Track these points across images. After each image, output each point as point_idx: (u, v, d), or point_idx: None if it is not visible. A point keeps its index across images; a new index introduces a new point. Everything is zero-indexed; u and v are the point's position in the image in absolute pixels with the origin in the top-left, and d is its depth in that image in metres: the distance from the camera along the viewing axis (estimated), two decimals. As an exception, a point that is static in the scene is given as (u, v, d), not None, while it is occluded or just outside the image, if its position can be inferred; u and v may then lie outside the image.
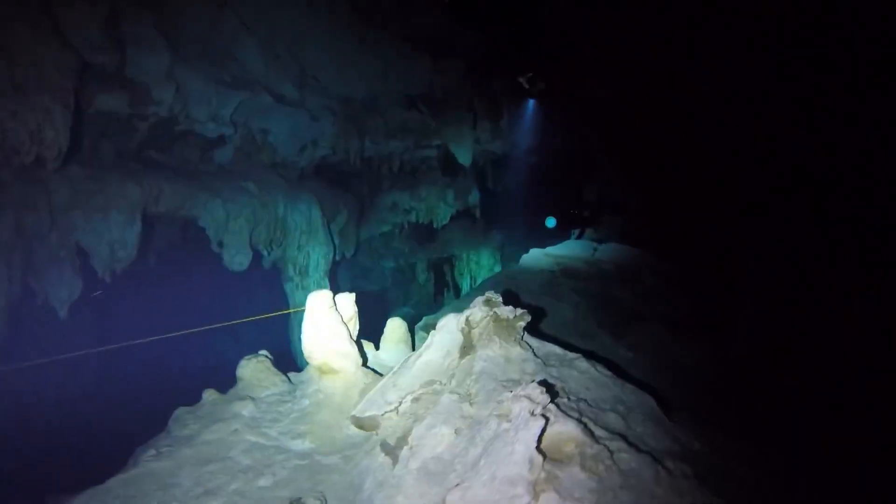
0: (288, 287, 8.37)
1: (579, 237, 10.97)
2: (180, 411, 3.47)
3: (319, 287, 8.52)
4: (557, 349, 3.12)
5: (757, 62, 7.39)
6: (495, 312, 2.97)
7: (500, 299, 3.10)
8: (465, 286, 14.02)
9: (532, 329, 5.24)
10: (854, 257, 6.51)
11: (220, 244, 6.98)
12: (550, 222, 11.31)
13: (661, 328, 5.86)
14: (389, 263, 14.70)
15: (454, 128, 10.56)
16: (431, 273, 14.51)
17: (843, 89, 6.60)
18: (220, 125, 6.68)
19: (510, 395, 2.27)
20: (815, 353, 5.24)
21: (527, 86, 9.03)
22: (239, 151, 7.48)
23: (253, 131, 7.42)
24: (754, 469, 2.74)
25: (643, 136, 10.63)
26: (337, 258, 9.35)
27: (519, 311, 3.00)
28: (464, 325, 3.07)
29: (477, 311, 3.05)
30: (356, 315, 3.72)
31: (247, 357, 3.77)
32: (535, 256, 7.78)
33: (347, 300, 3.65)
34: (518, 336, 2.99)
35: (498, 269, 14.21)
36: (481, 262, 13.82)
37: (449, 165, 11.45)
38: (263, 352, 3.97)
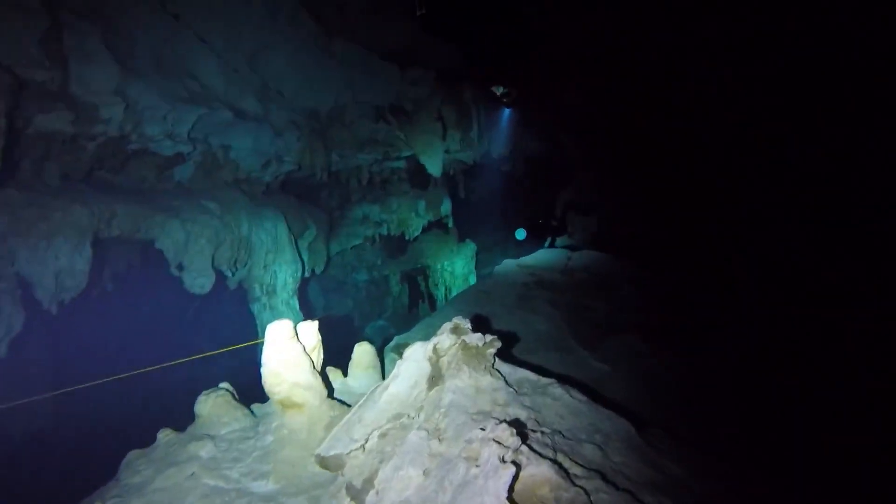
0: (255, 307, 8.09)
1: (551, 245, 10.93)
2: (132, 455, 3.22)
3: (288, 306, 8.30)
4: (531, 375, 2.99)
5: (735, 61, 7.45)
6: (464, 340, 2.82)
7: (469, 325, 2.96)
8: (440, 296, 13.87)
9: (507, 345, 5.10)
10: (846, 256, 6.57)
11: (180, 267, 6.66)
12: (521, 234, 11.27)
13: (636, 339, 5.78)
14: (362, 276, 14.47)
15: (423, 138, 10.43)
16: (405, 285, 14.33)
17: (815, 83, 6.69)
18: (177, 143, 6.40)
19: (480, 434, 2.13)
20: (802, 360, 5.22)
21: (501, 96, 8.92)
22: (199, 168, 7.20)
23: (213, 147, 7.15)
24: (737, 494, 2.65)
25: (617, 140, 10.68)
26: (306, 275, 9.10)
27: (489, 337, 2.86)
28: (431, 354, 2.91)
29: (444, 338, 2.90)
30: (320, 344, 3.53)
31: (205, 392, 3.55)
32: (509, 267, 7.68)
33: (310, 329, 3.46)
34: (488, 364, 2.85)
35: (473, 278, 14.12)
36: (455, 272, 13.69)
37: (419, 176, 11.31)
38: (224, 385, 3.76)
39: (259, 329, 7.97)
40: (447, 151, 10.94)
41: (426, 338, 6.10)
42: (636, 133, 10.19)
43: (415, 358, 2.98)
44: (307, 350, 3.40)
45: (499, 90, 8.02)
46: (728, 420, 4.13)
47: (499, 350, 2.94)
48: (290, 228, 8.28)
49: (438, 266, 13.46)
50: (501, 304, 6.47)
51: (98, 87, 4.96)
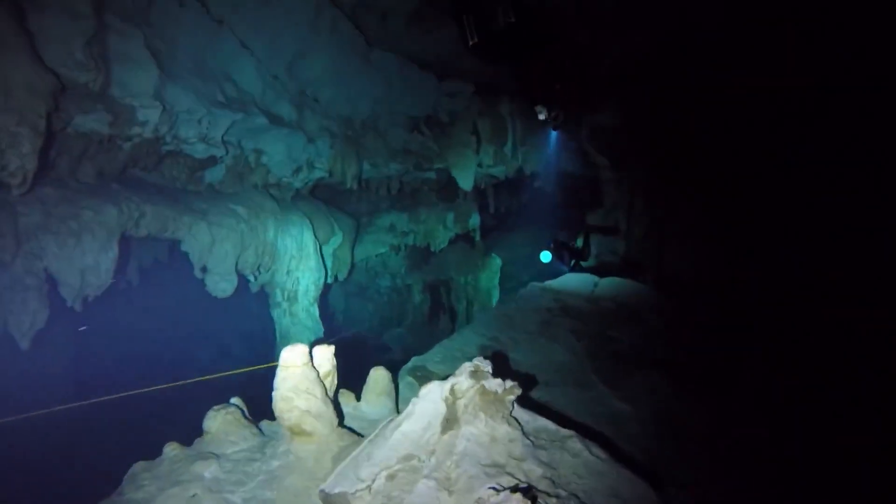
0: (275, 313, 8.10)
1: (574, 268, 10.72)
2: (137, 467, 3.18)
3: (308, 314, 8.29)
4: (550, 425, 2.85)
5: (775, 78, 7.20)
6: (483, 385, 2.70)
7: (489, 368, 2.84)
8: (461, 310, 13.77)
9: (527, 376, 4.94)
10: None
11: (204, 269, 6.71)
12: (545, 257, 11.06)
13: (660, 378, 5.56)
14: (385, 282, 14.46)
15: (457, 151, 10.37)
16: (427, 295, 14.25)
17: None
18: (210, 146, 6.44)
19: (492, 498, 2.01)
20: (841, 413, 4.94)
21: (543, 117, 8.67)
22: (230, 172, 7.24)
23: (246, 151, 7.18)
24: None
25: (655, 164, 10.42)
26: (328, 281, 9.09)
27: (509, 383, 2.74)
28: (448, 395, 2.79)
29: (463, 380, 2.78)
30: (334, 370, 3.45)
31: (215, 408, 3.49)
32: (533, 290, 7.51)
33: (325, 354, 3.38)
34: (506, 411, 2.72)
35: (496, 293, 13.97)
36: (479, 286, 13.57)
37: (450, 188, 11.24)
38: (235, 400, 3.70)
39: (277, 335, 7.98)
40: (479, 165, 10.85)
41: (444, 360, 5.98)
42: (677, 157, 9.92)
43: (431, 398, 2.87)
44: (321, 376, 3.33)
45: (542, 112, 7.76)
46: (754, 478, 3.91)
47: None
48: (316, 234, 8.28)
49: (462, 279, 13.36)
50: (523, 330, 6.31)
51: (137, 90, 5.01)
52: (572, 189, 13.18)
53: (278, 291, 7.91)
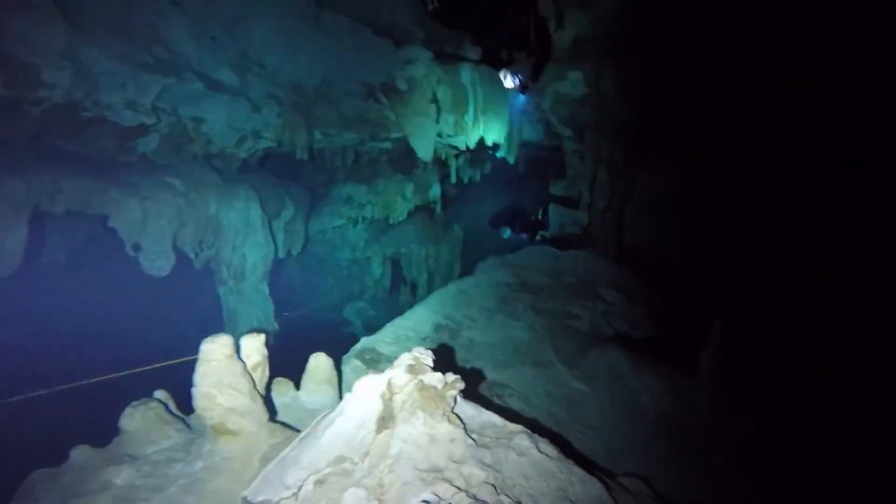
0: (222, 291, 7.67)
1: (532, 240, 10.63)
2: (36, 476, 2.82)
3: (257, 291, 7.89)
4: (496, 419, 2.62)
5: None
6: (421, 380, 2.45)
7: (430, 360, 2.57)
8: (422, 282, 13.53)
9: (483, 355, 4.71)
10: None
11: (137, 247, 6.21)
12: (506, 233, 10.89)
13: (619, 355, 5.45)
14: (345, 255, 14.07)
15: (415, 120, 9.93)
16: (388, 267, 13.95)
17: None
18: (138, 113, 5.86)
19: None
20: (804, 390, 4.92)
21: (509, 83, 8.30)
22: (166, 141, 6.66)
23: (183, 119, 6.61)
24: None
25: (618, 135, 10.26)
26: (280, 255, 8.67)
27: (450, 377, 2.48)
28: (384, 391, 2.52)
29: (400, 373, 2.52)
30: (265, 360, 3.14)
31: (134, 404, 3.15)
32: (493, 265, 7.30)
33: (254, 343, 3.07)
34: (448, 408, 2.47)
35: (457, 265, 13.78)
36: (440, 258, 13.32)
37: (408, 158, 10.85)
38: (159, 394, 3.37)
39: (225, 315, 7.57)
40: (439, 135, 10.47)
41: (396, 341, 5.70)
42: (642, 130, 9.78)
43: (365, 393, 2.61)
44: (249, 367, 3.03)
45: (507, 77, 7.40)
46: (713, 464, 3.82)
47: (471, 375, 2.58)
48: (264, 208, 7.82)
49: (423, 251, 13.08)
50: (481, 308, 6.10)
51: (42, 48, 4.44)
52: (536, 159, 13.00)
53: (224, 268, 7.46)
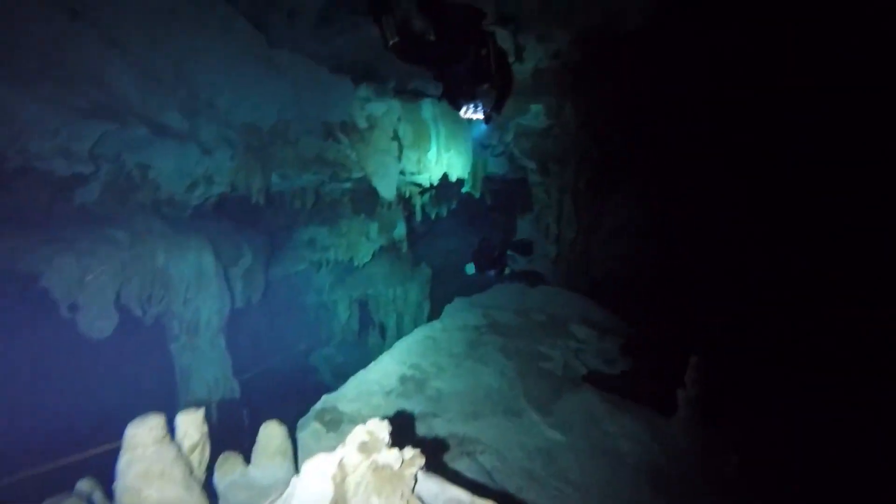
0: (174, 348, 7.17)
1: (498, 277, 10.53)
2: None
3: (212, 346, 7.42)
4: (463, 496, 2.32)
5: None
6: (375, 460, 2.15)
7: (386, 434, 2.26)
8: (391, 324, 13.15)
9: (452, 406, 4.39)
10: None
11: (74, 307, 5.72)
12: (470, 269, 10.74)
13: (594, 398, 5.22)
14: (311, 299, 13.60)
15: (376, 159, 9.76)
16: (355, 310, 13.53)
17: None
18: (73, 162, 5.46)
19: None
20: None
21: (472, 115, 8.18)
22: (109, 190, 6.24)
23: (128, 166, 6.24)
24: None
25: (583, 166, 10.29)
26: (238, 306, 8.23)
27: (409, 453, 2.18)
28: (336, 472, 2.21)
29: (352, 452, 2.21)
30: (205, 438, 2.78)
31: (48, 501, 2.75)
32: (460, 308, 7.05)
33: (192, 421, 2.71)
34: (407, 489, 2.16)
35: (426, 305, 13.47)
36: (408, 299, 12.99)
37: (371, 197, 10.62)
38: (84, 484, 2.94)
39: (178, 374, 7.04)
40: (402, 173, 10.31)
41: (359, 397, 5.32)
42: (607, 159, 9.83)
43: (314, 476, 2.29)
44: (186, 449, 2.67)
45: (470, 109, 7.27)
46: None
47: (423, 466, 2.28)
48: (219, 256, 7.43)
49: (390, 292, 12.75)
50: (449, 354, 5.82)
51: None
52: (502, 192, 12.97)
53: (175, 324, 6.98)
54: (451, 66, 6.60)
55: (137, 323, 6.66)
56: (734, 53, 7.01)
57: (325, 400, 4.61)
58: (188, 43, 6.10)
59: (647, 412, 5.02)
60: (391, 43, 4.84)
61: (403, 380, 5.02)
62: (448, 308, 7.17)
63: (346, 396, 4.68)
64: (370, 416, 2.49)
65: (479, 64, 6.05)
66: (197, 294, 6.97)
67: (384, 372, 5.15)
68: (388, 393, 4.80)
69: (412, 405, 4.62)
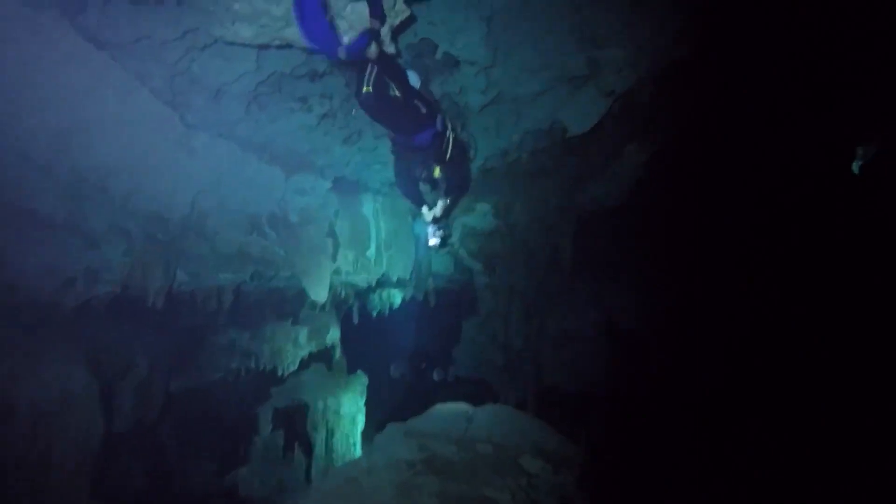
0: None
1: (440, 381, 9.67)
2: None
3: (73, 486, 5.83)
4: None
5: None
6: None
7: None
8: (320, 440, 11.53)
9: None
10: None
11: None
12: (396, 372, 9.85)
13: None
14: (229, 414, 11.86)
15: (308, 257, 8.82)
16: (280, 425, 11.84)
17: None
18: None
19: None
20: None
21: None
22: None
23: (-22, 260, 5.05)
24: None
25: (530, 266, 9.79)
26: (122, 430, 6.70)
27: None
28: None
29: None
30: None
31: None
32: (393, 437, 5.83)
33: None
34: None
35: (361, 419, 12.04)
36: (341, 411, 11.51)
37: (301, 299, 9.56)
38: None
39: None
40: (337, 272, 9.36)
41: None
42: (555, 259, 9.39)
43: None
44: None
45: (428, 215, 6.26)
46: None
47: None
48: (100, 369, 6.06)
49: (320, 404, 11.25)
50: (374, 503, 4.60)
51: None
52: (447, 291, 12.30)
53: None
54: (411, 134, 5.92)
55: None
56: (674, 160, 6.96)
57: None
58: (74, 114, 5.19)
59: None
60: (364, 90, 4.21)
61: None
62: (378, 438, 5.97)
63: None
64: None
65: (439, 143, 5.43)
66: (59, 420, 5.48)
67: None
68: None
69: None
